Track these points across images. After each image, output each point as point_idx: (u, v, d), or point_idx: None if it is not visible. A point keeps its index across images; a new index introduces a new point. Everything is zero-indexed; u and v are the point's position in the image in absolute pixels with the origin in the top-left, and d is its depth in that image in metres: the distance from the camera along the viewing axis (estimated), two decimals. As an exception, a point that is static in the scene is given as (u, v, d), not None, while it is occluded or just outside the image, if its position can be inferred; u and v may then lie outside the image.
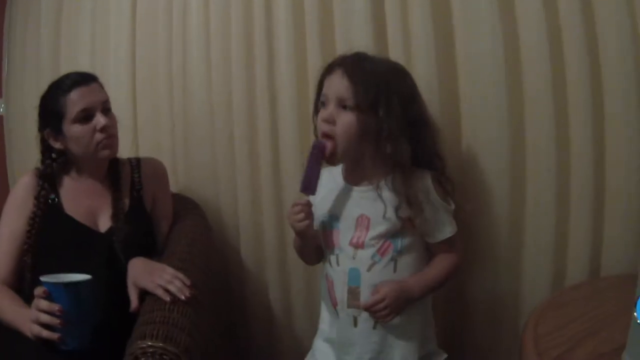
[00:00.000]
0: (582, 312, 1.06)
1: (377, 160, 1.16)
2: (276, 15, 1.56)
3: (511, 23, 1.32)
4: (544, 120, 1.30)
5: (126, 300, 1.20)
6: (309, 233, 1.20)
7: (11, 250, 1.31)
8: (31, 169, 1.39)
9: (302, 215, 1.16)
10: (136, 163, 1.48)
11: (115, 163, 1.44)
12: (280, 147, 1.60)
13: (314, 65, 1.45)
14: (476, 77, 1.36)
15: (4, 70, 2.13)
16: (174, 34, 1.74)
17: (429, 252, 1.22)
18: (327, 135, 1.14)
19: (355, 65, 1.14)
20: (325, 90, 1.17)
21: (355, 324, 1.17)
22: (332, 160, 1.17)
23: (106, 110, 1.36)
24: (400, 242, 1.15)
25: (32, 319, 1.09)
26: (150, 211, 1.45)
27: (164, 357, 0.96)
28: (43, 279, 1.10)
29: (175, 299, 1.11)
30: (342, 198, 1.20)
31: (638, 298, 0.80)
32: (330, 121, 1.14)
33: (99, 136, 1.33)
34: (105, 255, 1.29)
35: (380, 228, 1.15)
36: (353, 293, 1.16)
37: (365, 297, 1.15)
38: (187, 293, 1.13)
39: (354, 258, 1.17)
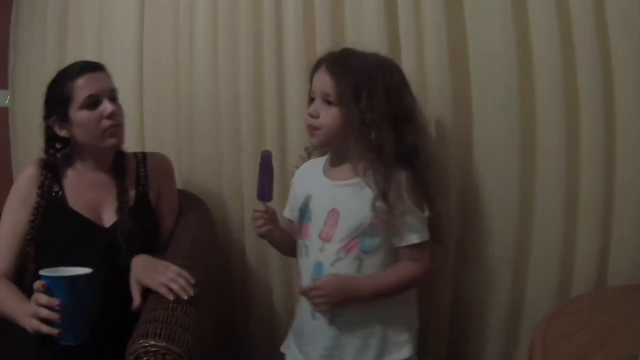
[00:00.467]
0: (588, 322, 1.05)
1: (361, 152, 1.16)
2: (286, 8, 1.55)
3: (523, 24, 1.31)
4: (554, 127, 1.29)
5: (127, 297, 1.19)
6: (273, 237, 1.25)
7: (13, 243, 1.30)
8: (35, 160, 1.38)
9: (261, 221, 1.21)
10: (142, 157, 1.46)
11: (120, 157, 1.42)
12: (288, 142, 1.58)
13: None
14: (487, 78, 1.35)
15: (10, 62, 2.11)
16: (181, 27, 1.73)
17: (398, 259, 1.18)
18: (313, 128, 1.18)
19: (339, 61, 1.18)
20: (313, 86, 1.21)
21: (315, 318, 1.18)
22: (321, 151, 1.26)
23: (113, 99, 1.35)
24: (368, 242, 1.15)
25: (31, 313, 1.07)
26: (155, 206, 1.43)
27: (167, 357, 0.95)
28: (42, 273, 1.09)
29: (178, 298, 1.10)
30: (318, 191, 1.23)
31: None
32: (315, 116, 1.18)
33: (106, 123, 1.31)
34: (109, 251, 1.28)
35: (348, 224, 1.15)
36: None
37: None
38: (191, 292, 1.11)
39: (320, 252, 1.18)
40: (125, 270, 1.23)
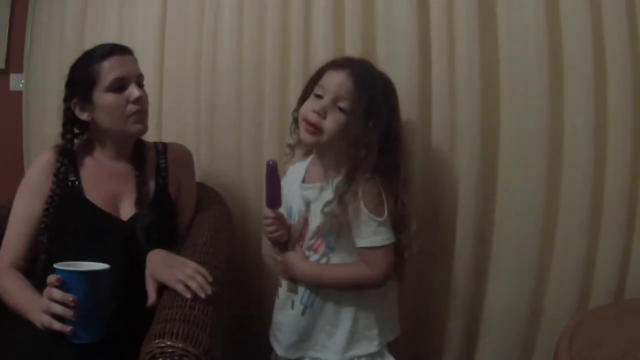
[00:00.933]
0: (609, 334, 1.07)
1: (341, 160, 1.20)
2: (315, 1, 1.51)
3: (557, 38, 1.33)
4: (581, 139, 1.33)
5: (142, 292, 1.14)
6: (283, 240, 1.28)
7: (25, 233, 1.25)
8: (49, 146, 1.32)
9: (273, 227, 1.25)
10: (162, 148, 1.42)
11: (140, 146, 1.38)
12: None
13: (353, 53, 1.39)
14: (519, 85, 1.37)
15: (26, 46, 2.09)
16: (206, 18, 1.69)
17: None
18: (313, 125, 1.17)
19: (365, 74, 1.19)
20: (325, 83, 1.19)
21: (293, 307, 1.27)
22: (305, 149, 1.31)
23: (140, 85, 1.31)
24: (332, 240, 1.21)
25: (43, 308, 1.02)
26: (174, 199, 1.39)
27: (184, 358, 0.90)
28: (57, 266, 1.02)
29: (196, 296, 1.05)
30: (295, 194, 1.28)
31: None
32: (321, 114, 1.17)
33: (131, 108, 1.27)
34: (125, 244, 1.23)
35: (315, 224, 1.22)
36: (293, 279, 1.27)
37: (300, 286, 1.25)
38: (209, 290, 1.06)
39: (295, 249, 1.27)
40: (140, 265, 1.18)
